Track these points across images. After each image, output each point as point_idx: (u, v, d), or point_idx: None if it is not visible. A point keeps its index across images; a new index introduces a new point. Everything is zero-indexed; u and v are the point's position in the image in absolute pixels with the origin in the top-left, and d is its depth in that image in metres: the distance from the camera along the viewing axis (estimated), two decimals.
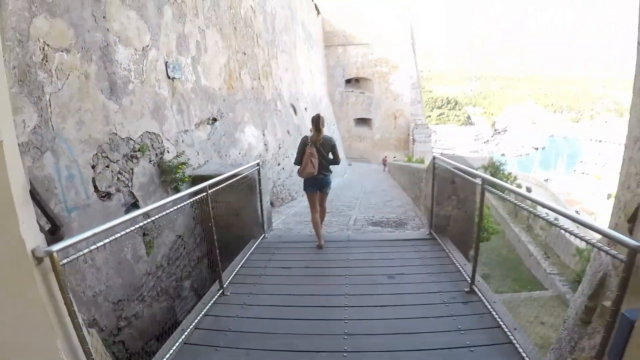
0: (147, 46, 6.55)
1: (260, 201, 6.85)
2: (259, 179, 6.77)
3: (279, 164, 12.50)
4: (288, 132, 14.60)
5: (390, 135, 45.33)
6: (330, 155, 6.50)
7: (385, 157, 38.71)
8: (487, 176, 4.55)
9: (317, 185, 6.65)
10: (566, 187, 79.68)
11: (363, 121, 45.68)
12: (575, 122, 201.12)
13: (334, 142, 6.58)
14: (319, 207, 6.80)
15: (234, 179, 5.88)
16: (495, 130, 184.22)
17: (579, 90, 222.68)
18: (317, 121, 6.35)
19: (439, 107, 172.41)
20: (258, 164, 6.79)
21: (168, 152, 6.53)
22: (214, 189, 4.89)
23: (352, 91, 45.17)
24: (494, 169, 39.29)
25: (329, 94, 41.72)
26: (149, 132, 6.21)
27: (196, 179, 6.76)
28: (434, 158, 6.76)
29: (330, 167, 6.68)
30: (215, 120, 8.81)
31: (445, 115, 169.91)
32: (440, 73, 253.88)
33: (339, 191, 16.30)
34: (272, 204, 11.01)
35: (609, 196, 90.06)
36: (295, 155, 6.78)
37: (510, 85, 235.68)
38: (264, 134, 11.63)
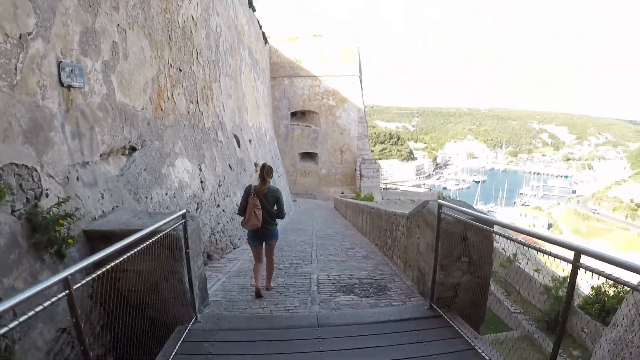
0: (30, 34, 4.39)
1: (189, 269, 4.66)
2: (186, 237, 4.61)
3: (218, 205, 10.26)
4: (230, 167, 12.43)
5: (336, 170, 43.91)
6: (276, 208, 6.40)
7: (342, 192, 37.10)
8: (588, 247, 2.67)
9: (260, 238, 6.46)
10: (509, 218, 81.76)
11: (308, 155, 44.10)
12: (513, 155, 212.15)
13: (279, 194, 6.45)
14: (264, 258, 6.59)
15: (138, 247, 3.75)
16: (437, 164, 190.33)
17: (517, 125, 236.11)
18: (261, 171, 6.30)
19: (382, 142, 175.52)
20: (184, 216, 4.63)
21: (47, 195, 4.27)
22: (91, 276, 2.75)
23: (298, 124, 43.65)
24: None
25: (274, 127, 39.98)
26: (16, 165, 3.98)
27: (93, 236, 4.56)
28: (439, 206, 4.88)
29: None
30: (134, 149, 6.60)
31: (388, 150, 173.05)
32: (383, 108, 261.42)
33: (288, 235, 14.18)
34: (209, 257, 8.79)
35: (550, 226, 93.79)
36: (239, 201, 6.63)
37: (450, 120, 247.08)
38: (200, 169, 9.41)
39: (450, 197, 44.86)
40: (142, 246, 3.79)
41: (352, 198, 32.64)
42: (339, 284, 6.79)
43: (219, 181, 10.81)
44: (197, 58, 10.98)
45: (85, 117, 5.34)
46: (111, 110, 6.04)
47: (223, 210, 10.57)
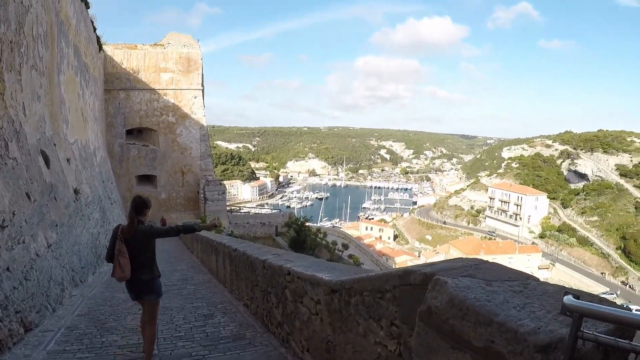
0: None
1: None
2: None
3: None
4: (28, 196, 7.87)
5: (177, 194, 39.00)
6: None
7: (163, 217, 31.88)
8: None
9: (134, 290, 5.12)
10: (356, 232, 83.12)
11: (146, 178, 38.47)
12: (354, 172, 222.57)
13: (155, 229, 5.36)
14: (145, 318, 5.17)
15: None
16: (279, 183, 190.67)
17: (356, 142, 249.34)
18: (130, 207, 5.11)
19: (224, 163, 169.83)
20: None
21: None
22: None
23: (134, 144, 37.85)
24: (299, 225, 35.79)
25: (107, 147, 33.83)
26: None
27: None
28: (580, 316, 1.62)
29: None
30: None
31: (230, 171, 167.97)
32: (223, 128, 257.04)
33: (110, 291, 9.94)
34: None
35: (396, 237, 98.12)
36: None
37: (291, 139, 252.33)
38: None
39: (312, 218, 42.51)
40: None
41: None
42: None
43: (3, 220, 6.44)
44: None
45: None
46: None
47: (7, 269, 6.21)
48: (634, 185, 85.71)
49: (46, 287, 7.60)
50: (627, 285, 66.52)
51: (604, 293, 60.94)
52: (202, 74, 39.28)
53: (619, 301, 57.48)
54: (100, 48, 29.67)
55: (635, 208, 79.81)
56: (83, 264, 11.00)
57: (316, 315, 4.61)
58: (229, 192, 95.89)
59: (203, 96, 39.33)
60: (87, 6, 21.86)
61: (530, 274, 2.43)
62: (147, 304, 5.18)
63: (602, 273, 71.13)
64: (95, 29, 25.91)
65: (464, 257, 2.92)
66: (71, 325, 6.89)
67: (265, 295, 6.66)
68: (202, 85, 39.24)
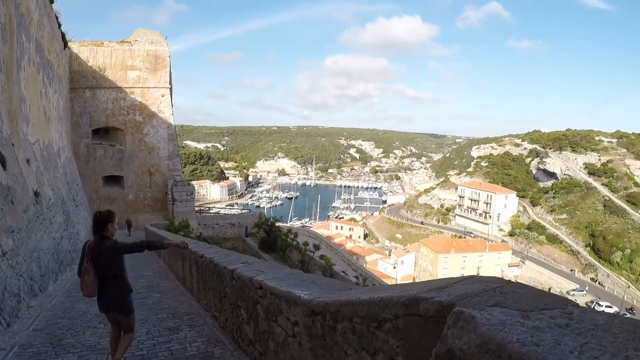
0: None
1: None
2: None
3: None
4: None
5: (145, 195, 37.85)
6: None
7: (128, 218, 30.93)
8: None
9: (102, 306, 4.99)
10: (326, 231, 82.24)
11: (113, 179, 37.16)
12: (324, 171, 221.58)
13: (120, 245, 4.95)
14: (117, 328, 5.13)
15: None
16: (249, 183, 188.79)
17: (326, 142, 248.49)
18: (92, 222, 5.00)
19: (192, 163, 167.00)
20: None
21: None
22: None
23: (101, 143, 36.52)
24: (269, 226, 35.19)
25: (73, 146, 32.51)
26: None
27: None
28: None
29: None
30: None
31: (199, 171, 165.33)
32: (192, 128, 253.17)
33: (68, 302, 9.19)
34: None
35: (366, 236, 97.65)
36: None
37: (260, 139, 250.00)
38: None
39: (281, 218, 41.84)
40: None
41: (165, 227, 27.56)
42: None
43: None
44: None
45: None
46: None
47: None
48: (602, 184, 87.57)
49: (0, 299, 6.96)
50: (597, 282, 68.16)
51: (573, 290, 62.41)
52: (170, 72, 38.29)
53: (587, 298, 58.87)
54: (66, 45, 28.49)
55: (604, 206, 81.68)
56: (43, 271, 10.28)
57: (294, 337, 4.04)
58: (198, 193, 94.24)
59: (171, 95, 38.34)
60: (51, 0, 20.85)
61: (565, 296, 2.04)
62: (120, 320, 5.12)
63: (571, 270, 72.74)
64: (60, 25, 24.81)
65: (476, 275, 2.52)
66: (25, 343, 6.26)
67: (235, 309, 6.07)
68: (170, 83, 38.25)
